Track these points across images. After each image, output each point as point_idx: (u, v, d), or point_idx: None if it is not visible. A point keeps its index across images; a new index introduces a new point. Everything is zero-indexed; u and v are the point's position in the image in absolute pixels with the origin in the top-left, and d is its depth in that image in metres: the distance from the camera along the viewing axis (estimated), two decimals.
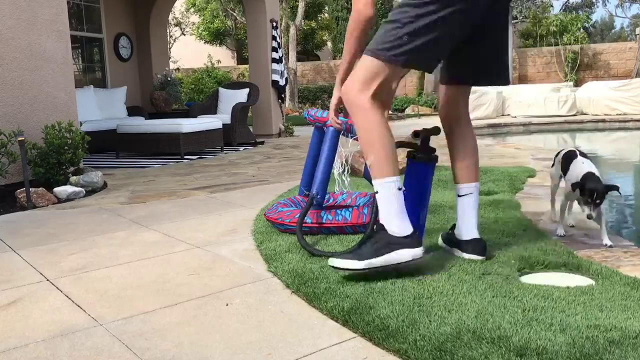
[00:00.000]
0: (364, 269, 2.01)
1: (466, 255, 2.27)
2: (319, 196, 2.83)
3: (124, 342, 1.72)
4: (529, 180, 4.24)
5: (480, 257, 2.25)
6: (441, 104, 2.43)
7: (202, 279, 2.28)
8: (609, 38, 41.15)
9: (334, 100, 2.37)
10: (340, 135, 2.98)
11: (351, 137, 2.99)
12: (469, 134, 2.38)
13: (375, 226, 2.09)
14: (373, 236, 2.08)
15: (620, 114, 11.61)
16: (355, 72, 2.13)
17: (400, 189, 2.06)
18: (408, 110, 16.37)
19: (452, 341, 1.55)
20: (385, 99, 2.14)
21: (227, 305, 1.99)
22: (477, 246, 2.28)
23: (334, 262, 2.06)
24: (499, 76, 2.30)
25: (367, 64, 2.09)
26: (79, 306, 2.03)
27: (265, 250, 2.57)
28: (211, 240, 2.88)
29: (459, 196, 2.36)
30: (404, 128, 10.73)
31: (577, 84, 15.64)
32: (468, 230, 2.31)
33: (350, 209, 2.78)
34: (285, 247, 2.55)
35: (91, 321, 1.89)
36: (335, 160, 3.28)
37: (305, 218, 2.75)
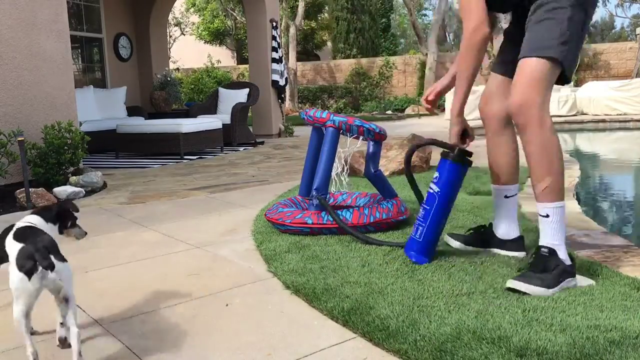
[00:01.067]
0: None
1: (510, 253, 2.35)
2: (321, 194, 2.83)
3: (124, 342, 1.72)
4: (529, 180, 4.23)
5: (522, 254, 2.35)
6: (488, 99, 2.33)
7: (202, 279, 2.27)
8: (609, 38, 41.13)
9: (454, 137, 2.23)
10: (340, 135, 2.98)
11: (350, 136, 2.99)
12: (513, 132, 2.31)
13: (544, 250, 2.01)
14: (548, 262, 1.98)
15: (620, 114, 11.61)
16: (529, 81, 1.97)
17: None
18: (408, 110, 16.37)
19: (452, 341, 1.55)
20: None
21: (227, 305, 1.99)
22: (521, 244, 2.38)
23: (518, 285, 1.93)
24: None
25: (541, 68, 1.96)
26: (79, 306, 2.02)
27: (265, 251, 2.56)
28: (211, 241, 2.87)
29: (507, 197, 2.36)
30: (405, 128, 10.72)
31: (578, 83, 15.63)
32: (514, 229, 2.38)
33: (351, 210, 2.78)
34: (285, 248, 2.55)
35: (91, 321, 1.89)
36: (335, 167, 3.27)
37: (306, 219, 2.75)
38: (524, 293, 1.89)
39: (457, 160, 2.22)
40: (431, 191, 2.26)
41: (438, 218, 2.25)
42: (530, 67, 1.99)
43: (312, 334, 1.73)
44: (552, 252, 1.99)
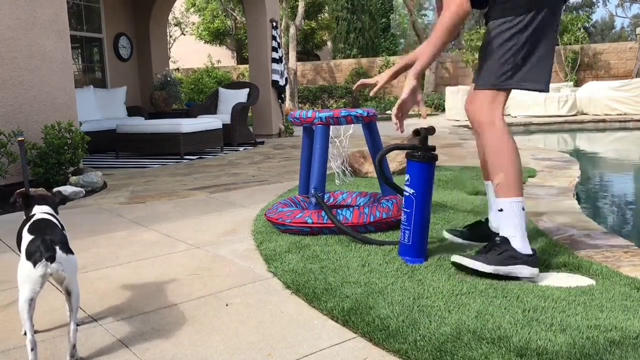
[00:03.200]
0: (490, 273, 2.07)
1: None
2: (319, 192, 2.83)
3: (124, 342, 1.72)
4: (529, 180, 4.23)
5: None
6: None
7: (202, 279, 2.27)
8: (609, 38, 41.16)
9: (407, 90, 2.24)
10: (336, 132, 2.98)
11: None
12: None
13: (497, 238, 2.15)
14: (497, 246, 2.12)
15: (620, 114, 11.61)
16: (480, 95, 2.18)
17: (523, 209, 2.13)
18: None
19: (452, 341, 1.55)
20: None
21: (227, 305, 1.99)
22: None
23: (461, 260, 2.12)
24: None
25: (486, 93, 2.16)
26: (79, 306, 2.02)
27: (265, 251, 2.56)
28: (211, 241, 2.87)
29: None
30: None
31: (578, 83, 15.64)
32: None
33: (351, 209, 2.78)
34: (285, 248, 2.55)
35: (91, 321, 1.89)
36: (335, 159, 3.27)
37: (306, 218, 2.75)
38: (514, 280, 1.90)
39: (422, 158, 2.26)
40: (407, 194, 2.28)
41: (421, 218, 2.27)
42: (478, 92, 2.20)
43: (312, 334, 1.73)
44: (505, 240, 2.12)
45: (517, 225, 2.12)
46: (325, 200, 3.13)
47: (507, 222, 2.13)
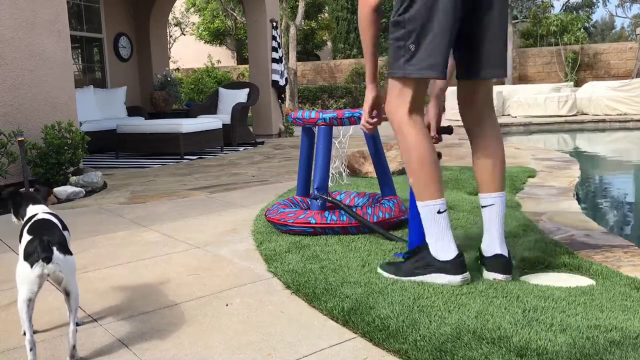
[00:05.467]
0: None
1: (488, 275, 2.06)
2: (322, 193, 2.82)
3: (124, 342, 1.72)
4: (529, 180, 4.23)
5: (501, 276, 2.04)
6: (458, 103, 2.30)
7: (202, 279, 2.27)
8: (610, 38, 41.17)
9: (368, 102, 2.21)
10: (337, 133, 2.98)
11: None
12: (490, 138, 2.17)
13: (423, 244, 2.11)
14: (418, 254, 2.09)
15: (620, 114, 11.61)
16: (390, 92, 2.09)
17: (440, 212, 2.00)
18: None
19: (452, 341, 1.55)
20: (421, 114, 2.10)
21: (227, 305, 1.99)
22: (497, 263, 2.07)
23: (379, 269, 2.19)
24: (495, 65, 2.08)
25: (393, 84, 2.06)
26: (79, 306, 2.02)
27: (265, 251, 2.56)
28: (211, 241, 2.87)
29: (482, 207, 2.15)
30: None
31: (578, 84, 15.64)
32: (490, 245, 2.10)
33: (354, 209, 2.78)
34: (285, 248, 2.55)
35: (91, 321, 1.89)
36: (333, 160, 3.27)
37: (309, 218, 2.75)
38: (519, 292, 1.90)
39: None
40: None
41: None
42: (390, 83, 2.10)
43: (312, 334, 1.73)
44: (425, 246, 2.07)
45: (430, 231, 2.02)
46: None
47: (425, 227, 2.05)
